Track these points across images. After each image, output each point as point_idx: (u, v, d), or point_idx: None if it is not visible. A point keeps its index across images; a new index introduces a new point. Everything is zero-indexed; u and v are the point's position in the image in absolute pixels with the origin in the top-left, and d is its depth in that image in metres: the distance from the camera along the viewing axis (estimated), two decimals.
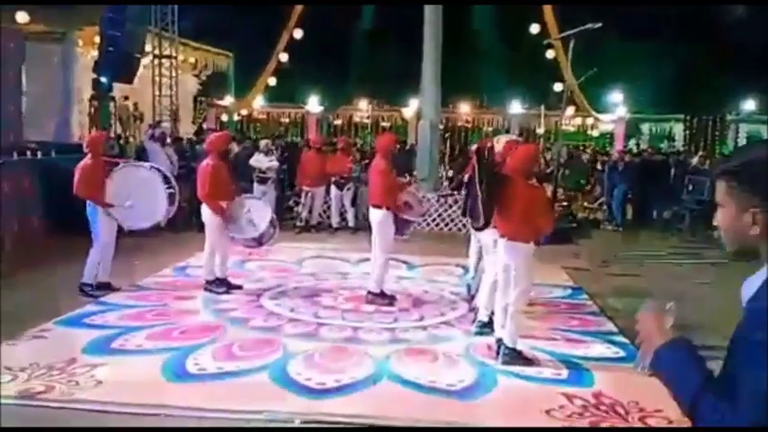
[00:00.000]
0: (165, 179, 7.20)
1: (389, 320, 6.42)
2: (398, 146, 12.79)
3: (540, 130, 25.35)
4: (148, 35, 14.12)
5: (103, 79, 11.87)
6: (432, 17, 13.12)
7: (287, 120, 31.19)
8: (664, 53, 24.77)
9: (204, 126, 25.21)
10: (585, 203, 15.19)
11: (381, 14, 25.18)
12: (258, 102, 28.62)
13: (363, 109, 30.34)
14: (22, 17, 13.38)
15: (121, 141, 13.12)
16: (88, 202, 7.05)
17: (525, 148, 5.60)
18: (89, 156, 7.12)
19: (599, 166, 16.55)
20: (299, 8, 24.48)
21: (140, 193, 6.96)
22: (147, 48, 14.49)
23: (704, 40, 24.61)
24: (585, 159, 18.09)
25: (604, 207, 14.67)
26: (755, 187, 1.54)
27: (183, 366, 4.95)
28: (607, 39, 23.13)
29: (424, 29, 13.25)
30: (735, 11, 23.55)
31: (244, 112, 27.82)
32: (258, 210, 7.05)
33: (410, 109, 26.21)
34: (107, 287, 7.06)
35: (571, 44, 14.65)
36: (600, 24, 13.35)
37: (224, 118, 27.58)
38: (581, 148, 28.07)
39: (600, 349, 5.84)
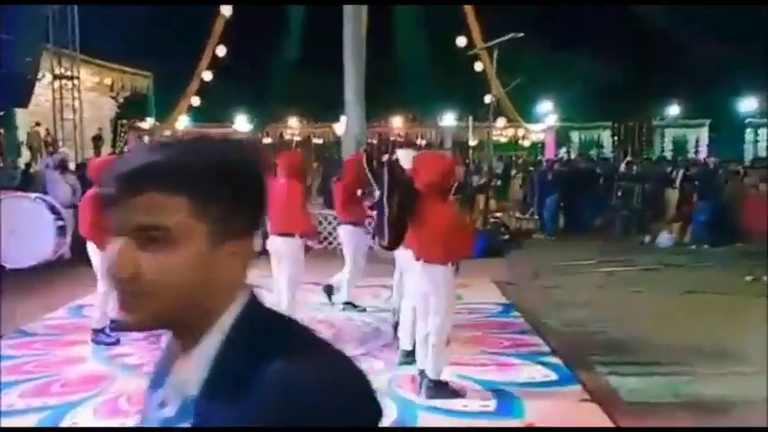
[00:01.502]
0: (53, 210, 6.46)
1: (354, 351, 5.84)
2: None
3: (473, 142, 25.33)
4: (47, 55, 13.21)
5: None
6: (351, 30, 12.73)
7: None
8: (590, 61, 25.08)
9: (126, 149, 24.18)
10: (518, 214, 14.97)
11: (308, 27, 24.70)
12: (183, 122, 27.74)
13: (294, 126, 29.82)
14: None
15: (31, 170, 12.20)
16: None
17: (440, 161, 5.14)
18: None
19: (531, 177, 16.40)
20: (220, 25, 23.78)
21: (23, 228, 6.21)
22: (47, 69, 13.57)
23: (629, 47, 25.07)
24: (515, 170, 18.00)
25: (536, 217, 14.47)
26: None
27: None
28: (533, 48, 23.28)
29: (344, 43, 12.85)
30: (659, 17, 24.05)
31: (167, 133, 26.85)
32: None
33: (342, 125, 25.82)
34: None
35: (495, 54, 14.48)
36: (522, 34, 13.21)
37: (146, 141, 26.49)
38: (513, 158, 28.27)
39: (531, 372, 5.41)
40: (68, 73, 14.50)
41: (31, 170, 11.98)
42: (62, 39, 13.82)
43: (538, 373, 5.41)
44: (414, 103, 27.18)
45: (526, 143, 30.09)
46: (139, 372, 5.41)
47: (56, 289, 8.06)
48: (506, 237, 12.81)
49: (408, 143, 26.44)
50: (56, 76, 13.98)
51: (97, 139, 20.45)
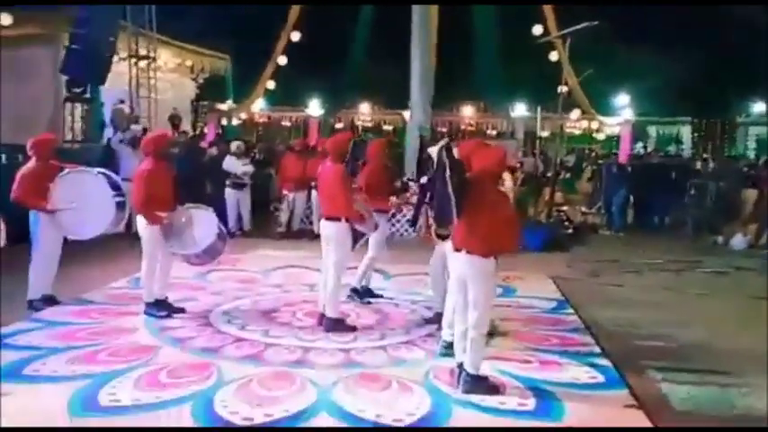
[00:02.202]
0: (114, 186, 6.61)
1: (347, 339, 5.83)
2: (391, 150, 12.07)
3: (545, 133, 24.72)
4: (125, 35, 13.57)
5: (72, 80, 11.35)
6: (420, 18, 12.60)
7: (288, 123, 30.74)
8: (671, 54, 24.04)
9: (205, 131, 24.78)
10: (584, 208, 14.52)
11: (381, 16, 24.59)
12: (259, 105, 28.18)
13: (365, 112, 29.86)
14: (5, 19, 12.91)
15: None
16: (30, 210, 6.56)
17: (495, 150, 4.99)
18: (33, 159, 6.62)
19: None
20: (296, 10, 23.92)
21: (85, 201, 6.38)
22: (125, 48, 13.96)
23: (713, 40, 23.89)
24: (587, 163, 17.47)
25: (603, 212, 14.00)
26: None
27: (94, 398, 4.37)
28: (612, 40, 22.49)
29: (412, 30, 12.74)
30: (744, 11, 22.82)
31: (243, 116, 27.32)
32: (203, 221, 6.35)
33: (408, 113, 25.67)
34: (50, 301, 6.54)
35: (567, 43, 14.04)
36: (596, 23, 12.78)
37: (224, 122, 27.17)
38: (586, 151, 27.46)
39: (576, 373, 5.21)
40: (145, 53, 14.87)
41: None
42: (139, 19, 14.17)
43: (584, 374, 5.21)
44: (485, 92, 26.70)
45: (600, 136, 29.17)
46: (185, 345, 5.51)
47: (123, 260, 8.30)
48: (570, 231, 12.44)
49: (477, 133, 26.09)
50: (132, 56, 14.35)
51: (174, 118, 20.99)
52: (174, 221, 6.27)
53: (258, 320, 6.30)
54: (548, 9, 21.79)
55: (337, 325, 6.04)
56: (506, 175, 14.90)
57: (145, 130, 11.67)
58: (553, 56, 22.97)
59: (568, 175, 18.76)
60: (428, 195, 4.89)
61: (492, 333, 5.85)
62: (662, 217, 13.35)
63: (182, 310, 6.45)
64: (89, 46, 10.78)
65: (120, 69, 17.12)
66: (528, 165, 17.39)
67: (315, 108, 28.82)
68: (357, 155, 6.58)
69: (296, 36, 23.75)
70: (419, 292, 7.54)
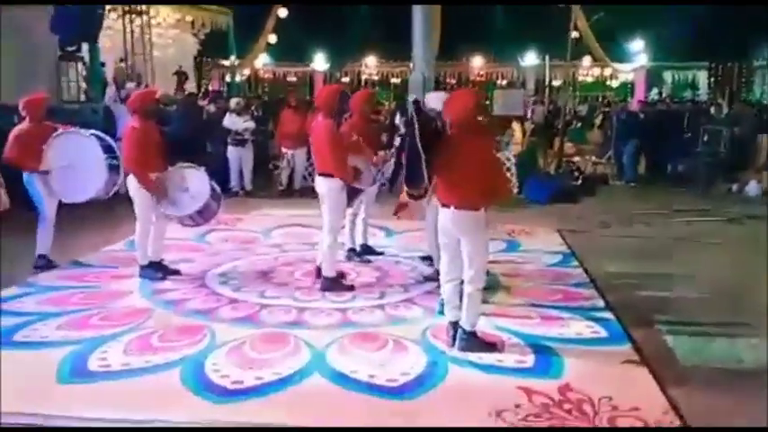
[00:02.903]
0: (107, 148, 6.42)
1: (345, 299, 5.70)
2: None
3: (556, 82, 24.20)
4: None
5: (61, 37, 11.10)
6: None
7: (294, 78, 30.31)
8: None
9: (210, 88, 24.48)
10: (594, 158, 14.23)
11: None
12: (263, 61, 27.76)
13: (371, 65, 29.33)
14: None
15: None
16: (24, 171, 6.44)
17: (465, 96, 4.72)
18: (26, 120, 6.48)
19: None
20: None
21: (77, 163, 6.23)
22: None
23: None
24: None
25: (613, 161, 13.71)
26: None
27: (84, 363, 4.29)
28: None
29: None
30: None
31: (246, 71, 26.94)
32: (196, 181, 6.17)
33: None
34: (46, 263, 6.47)
35: None
36: None
37: (228, 78, 26.87)
38: (600, 99, 26.89)
39: (578, 328, 5.07)
40: (139, 8, 14.53)
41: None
42: None
43: (586, 329, 5.07)
44: (494, 41, 26.07)
45: (614, 84, 28.60)
46: (179, 308, 5.42)
47: (123, 222, 8.17)
48: (579, 182, 12.19)
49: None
50: (126, 12, 14.06)
51: (180, 75, 20.70)
52: (166, 182, 6.11)
53: (255, 281, 6.19)
54: None
55: (334, 284, 5.91)
56: (516, 126, 14.75)
57: (139, 87, 11.48)
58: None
59: (579, 125, 18.39)
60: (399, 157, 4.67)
61: (490, 287, 5.73)
62: (674, 165, 13.03)
63: (177, 272, 6.35)
64: (77, 3, 10.49)
65: (120, 27, 16.89)
66: (538, 114, 17.04)
67: (320, 62, 28.37)
68: (343, 108, 6.30)
69: None
70: (423, 249, 7.37)
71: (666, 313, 5.54)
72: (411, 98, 4.47)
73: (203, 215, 6.24)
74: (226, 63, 25.49)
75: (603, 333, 4.99)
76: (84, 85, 12.78)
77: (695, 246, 7.95)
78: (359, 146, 6.15)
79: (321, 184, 5.90)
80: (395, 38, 24.82)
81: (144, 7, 14.54)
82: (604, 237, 8.47)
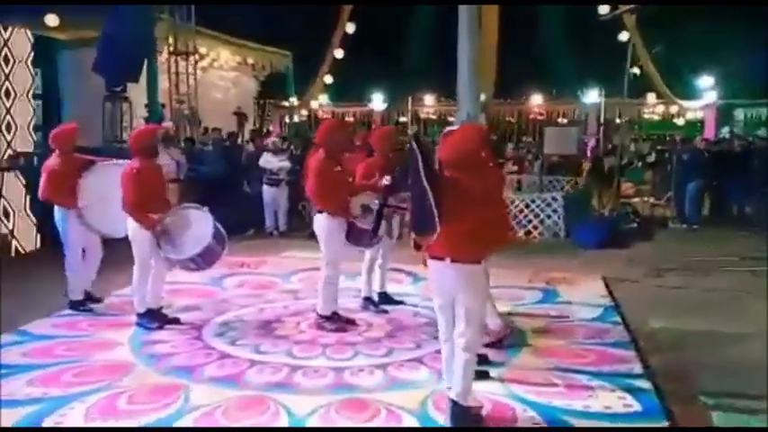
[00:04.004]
0: None
1: (347, 355, 5.15)
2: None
3: (619, 120, 23.24)
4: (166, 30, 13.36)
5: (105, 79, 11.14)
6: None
7: (352, 118, 30.30)
8: (756, 29, 22.08)
9: (271, 128, 24.66)
10: (652, 199, 13.29)
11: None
12: (322, 100, 27.88)
13: (428, 104, 29.03)
14: (52, 20, 12.89)
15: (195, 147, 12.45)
16: (57, 207, 6.28)
17: (462, 133, 4.16)
18: (56, 153, 6.33)
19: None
20: (350, 2, 23.41)
21: (115, 197, 5.89)
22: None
23: None
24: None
25: (673, 203, 12.74)
26: None
27: (37, 426, 3.87)
28: (691, 18, 20.84)
29: (459, 9, 11.83)
30: None
31: (304, 112, 27.07)
32: (199, 222, 5.77)
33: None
34: (90, 298, 6.32)
35: (630, 18, 12.82)
36: None
37: (287, 119, 27.12)
38: (667, 138, 25.69)
39: (608, 399, 4.35)
40: (185, 49, 14.63)
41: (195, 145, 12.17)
42: (180, 15, 13.99)
43: (618, 401, 4.35)
44: (554, 78, 25.38)
45: (680, 122, 27.34)
46: (162, 364, 4.97)
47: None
48: (635, 225, 11.33)
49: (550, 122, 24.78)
50: (171, 53, 14.18)
51: (240, 115, 20.87)
52: (168, 224, 5.73)
53: (254, 333, 5.70)
54: None
55: (328, 322, 5.55)
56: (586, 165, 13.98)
57: (176, 127, 11.39)
58: (623, 36, 21.55)
59: (640, 164, 17.41)
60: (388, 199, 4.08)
61: (514, 346, 5.13)
62: (741, 207, 11.99)
63: (176, 321, 5.94)
64: (119, 45, 10.50)
65: (178, 69, 17.13)
66: (595, 153, 16.21)
67: (378, 102, 28.27)
68: (342, 143, 5.89)
69: (350, 28, 23.23)
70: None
71: (717, 384, 4.73)
72: (410, 130, 3.94)
73: (205, 259, 5.80)
74: (285, 104, 25.73)
75: (637, 406, 4.26)
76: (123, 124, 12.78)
77: (761, 301, 7.04)
78: (368, 185, 5.71)
79: (315, 220, 5.52)
80: (452, 76, 24.51)
81: (190, 48, 14.62)
82: (657, 287, 7.64)
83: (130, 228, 5.71)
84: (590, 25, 21.47)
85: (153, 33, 12.05)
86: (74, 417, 4.03)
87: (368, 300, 6.45)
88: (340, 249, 5.59)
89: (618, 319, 6.22)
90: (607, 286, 7.50)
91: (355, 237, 5.64)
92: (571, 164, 14.17)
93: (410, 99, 25.15)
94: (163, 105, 15.90)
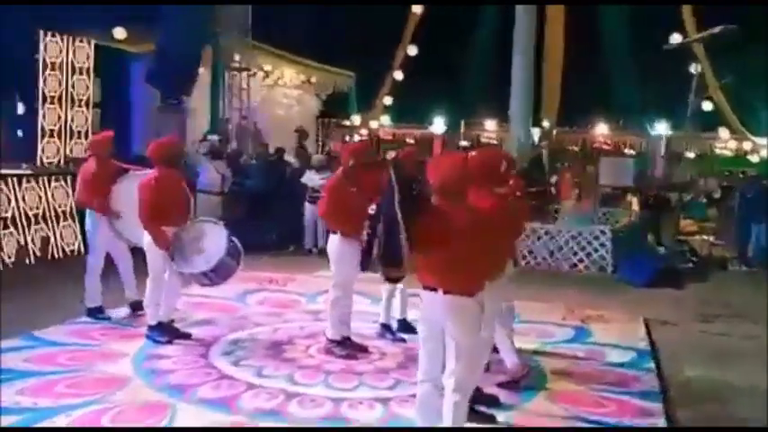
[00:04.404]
0: None
1: (349, 385, 4.91)
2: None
3: (691, 155, 22.36)
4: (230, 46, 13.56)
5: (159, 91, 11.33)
6: (522, 20, 11.48)
7: (413, 140, 30.18)
8: None
9: (332, 146, 24.81)
10: (712, 238, 12.57)
11: (504, 21, 23.41)
12: (383, 121, 27.92)
13: (490, 128, 28.64)
14: (120, 33, 13.26)
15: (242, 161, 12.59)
16: (88, 211, 6.38)
17: (453, 158, 3.94)
18: (92, 159, 6.43)
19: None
20: (412, 24, 23.40)
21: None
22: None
23: None
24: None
25: (735, 243, 12.00)
26: None
27: None
28: (763, 48, 19.92)
29: (514, 34, 11.64)
30: None
31: (364, 131, 27.14)
32: (213, 236, 5.64)
33: (537, 130, 24.23)
34: (139, 306, 6.24)
35: (700, 48, 12.26)
36: (735, 26, 11.09)
37: (347, 138, 27.22)
38: (740, 175, 24.53)
39: None
40: (250, 66, 14.85)
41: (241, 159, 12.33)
42: (237, 30, 14.19)
43: None
44: (618, 107, 24.65)
45: (755, 159, 26.09)
46: (159, 381, 4.84)
47: None
48: (690, 264, 10.70)
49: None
50: (237, 69, 14.40)
51: (301, 133, 21.03)
52: (182, 238, 5.64)
53: (261, 354, 5.52)
54: (687, 15, 19.64)
55: (339, 347, 5.39)
56: (632, 198, 13.43)
57: (221, 141, 11.47)
58: (693, 67, 20.76)
59: (704, 201, 16.59)
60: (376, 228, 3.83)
61: (529, 388, 4.83)
62: None
63: (187, 336, 5.83)
64: (172, 57, 10.67)
65: (243, 85, 17.42)
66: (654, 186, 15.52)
67: (438, 124, 28.08)
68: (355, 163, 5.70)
69: (412, 50, 23.18)
70: None
71: None
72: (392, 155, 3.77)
73: (219, 274, 5.67)
74: (346, 123, 25.86)
75: None
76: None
77: None
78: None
79: (330, 240, 5.55)
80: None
81: (255, 66, 14.85)
82: (700, 333, 7.11)
83: (145, 239, 5.65)
84: (657, 53, 20.81)
85: (202, 48, 12.17)
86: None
87: (385, 327, 6.20)
88: (351, 272, 5.36)
89: (651, 365, 5.77)
90: (647, 328, 7.02)
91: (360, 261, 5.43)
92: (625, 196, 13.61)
93: (462, 123, 24.83)
94: (227, 120, 16.21)
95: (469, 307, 3.58)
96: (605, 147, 27.98)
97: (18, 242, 8.61)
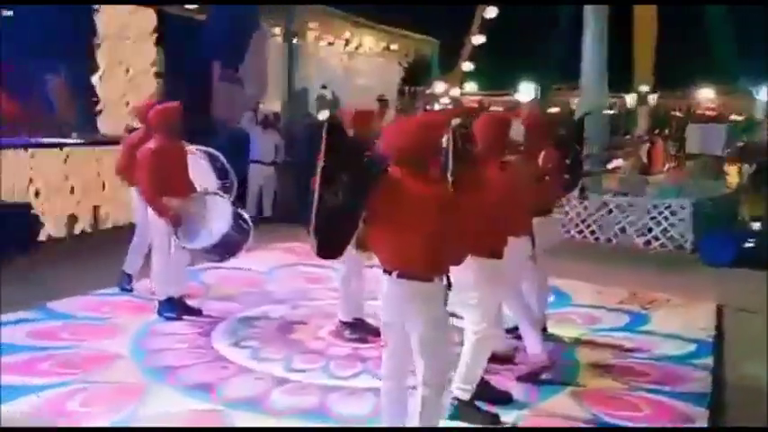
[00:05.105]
0: (222, 172, 5.76)
1: (348, 373, 4.47)
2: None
3: None
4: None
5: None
6: None
7: (500, 108, 29.12)
8: None
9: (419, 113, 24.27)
10: None
11: None
12: (466, 88, 27.05)
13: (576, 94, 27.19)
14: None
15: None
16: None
17: (403, 123, 3.55)
18: (155, 136, 5.39)
19: None
20: None
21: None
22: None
23: None
24: None
25: None
26: None
27: None
28: None
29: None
30: None
31: (445, 100, 26.37)
32: (218, 210, 5.25)
33: (631, 96, 22.77)
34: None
35: None
36: None
37: (427, 108, 26.54)
38: None
39: None
40: (328, 34, 14.52)
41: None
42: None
43: None
44: (724, 71, 22.60)
45: None
46: (148, 361, 4.57)
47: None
48: None
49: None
50: (287, 34, 14.05)
51: (382, 102, 20.65)
52: (186, 211, 5.29)
53: (266, 335, 5.16)
54: None
55: (349, 329, 5.01)
56: (730, 168, 12.18)
57: (275, 114, 11.21)
58: None
59: None
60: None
61: (561, 383, 4.32)
62: None
63: (198, 312, 5.55)
64: (225, 26, 10.42)
65: (322, 54, 17.14)
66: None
67: (527, 92, 26.88)
68: None
69: (491, 12, 22.04)
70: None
71: None
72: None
73: (223, 249, 5.32)
74: (428, 92, 25.16)
75: None
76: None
77: None
78: None
79: None
80: (612, 59, 22.61)
81: (334, 34, 14.45)
82: None
83: (150, 211, 5.38)
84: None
85: (257, 15, 11.81)
86: (15, 412, 3.71)
87: None
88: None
89: (709, 361, 5.00)
90: (719, 317, 6.17)
91: None
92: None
93: (538, 90, 23.63)
94: (305, 90, 15.97)
95: (427, 293, 3.05)
96: (708, 113, 25.96)
97: (71, 213, 8.62)
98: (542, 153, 5.06)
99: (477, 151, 3.83)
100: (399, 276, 3.06)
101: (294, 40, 14.86)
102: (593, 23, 10.55)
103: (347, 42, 19.52)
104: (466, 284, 3.77)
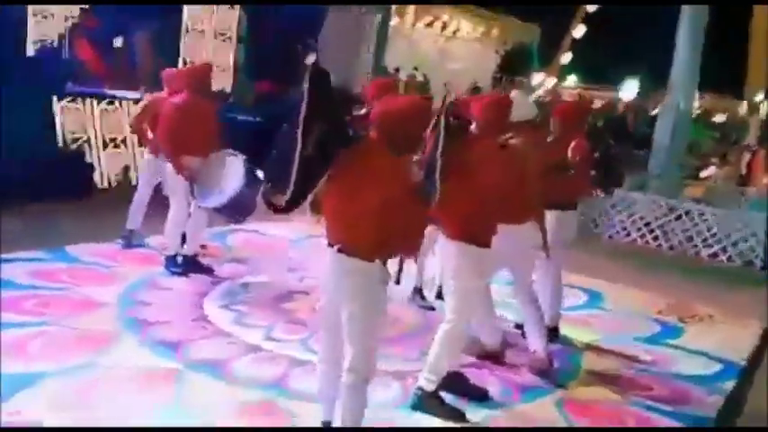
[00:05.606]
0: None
1: None
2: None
3: None
4: None
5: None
6: None
7: (601, 104, 27.92)
8: None
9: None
10: None
11: None
12: (566, 81, 26.07)
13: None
14: None
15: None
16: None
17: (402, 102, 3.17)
18: (185, 93, 5.27)
19: None
20: None
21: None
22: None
23: None
24: None
25: None
26: None
27: None
28: None
29: None
30: None
31: (540, 92, 25.47)
32: (230, 170, 5.08)
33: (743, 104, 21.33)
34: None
35: None
36: None
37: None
38: None
39: None
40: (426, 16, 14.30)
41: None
42: None
43: None
44: None
45: None
46: (127, 311, 4.53)
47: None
48: None
49: None
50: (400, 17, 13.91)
51: (475, 90, 20.23)
52: (203, 171, 5.21)
53: (260, 302, 5.01)
54: None
55: None
56: None
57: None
58: None
59: None
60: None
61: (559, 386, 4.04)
62: None
63: (209, 271, 5.48)
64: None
65: (415, 36, 16.89)
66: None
67: (630, 89, 25.59)
68: None
69: (592, 6, 21.02)
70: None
71: None
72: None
73: (235, 210, 5.21)
74: (524, 81, 24.37)
75: None
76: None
77: None
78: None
79: None
80: (722, 66, 21.15)
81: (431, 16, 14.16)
82: None
83: (168, 167, 5.34)
84: None
85: None
86: None
87: (417, 291, 5.42)
88: None
89: (730, 384, 4.47)
90: (765, 340, 5.56)
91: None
92: None
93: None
94: (397, 69, 15.76)
95: (364, 273, 2.81)
96: None
97: (126, 164, 8.82)
98: (573, 144, 4.71)
99: (473, 131, 3.66)
100: (340, 251, 2.84)
101: (391, 22, 14.73)
102: (689, 24, 9.79)
103: (444, 26, 19.11)
104: (447, 270, 3.63)
